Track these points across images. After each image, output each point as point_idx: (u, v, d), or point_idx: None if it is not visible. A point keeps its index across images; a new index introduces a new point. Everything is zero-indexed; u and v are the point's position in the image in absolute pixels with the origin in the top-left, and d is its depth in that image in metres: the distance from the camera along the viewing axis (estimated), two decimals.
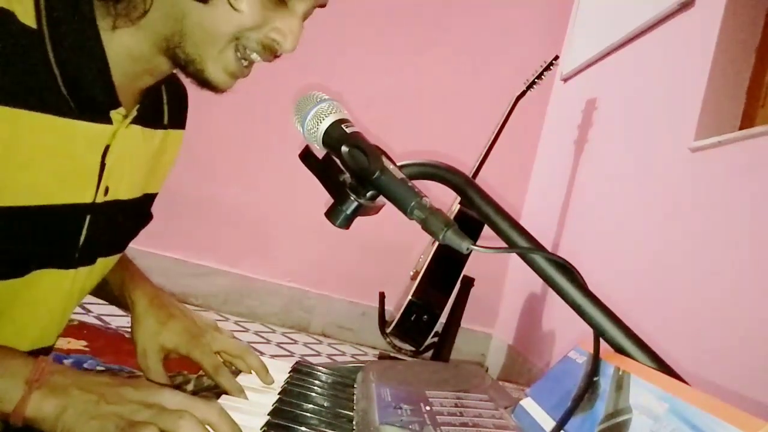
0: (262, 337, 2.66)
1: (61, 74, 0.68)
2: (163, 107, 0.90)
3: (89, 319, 2.08)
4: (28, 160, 0.68)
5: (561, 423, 0.63)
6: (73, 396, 0.60)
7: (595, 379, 0.65)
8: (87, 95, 0.70)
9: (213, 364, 0.85)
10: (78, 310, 2.16)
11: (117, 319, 2.17)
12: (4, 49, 0.64)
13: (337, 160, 0.69)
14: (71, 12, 0.68)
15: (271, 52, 0.75)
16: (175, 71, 0.78)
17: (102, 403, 0.60)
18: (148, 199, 0.94)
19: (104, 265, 0.87)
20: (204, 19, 0.70)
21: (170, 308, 0.92)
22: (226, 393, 0.80)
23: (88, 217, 0.77)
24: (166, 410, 0.60)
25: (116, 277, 0.93)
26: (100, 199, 0.78)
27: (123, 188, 0.83)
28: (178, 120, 0.94)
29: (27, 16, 0.65)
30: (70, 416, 0.59)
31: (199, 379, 0.94)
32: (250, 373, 0.87)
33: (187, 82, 0.79)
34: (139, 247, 0.99)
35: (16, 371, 0.62)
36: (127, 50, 0.73)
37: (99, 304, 2.25)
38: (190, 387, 0.92)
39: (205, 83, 0.75)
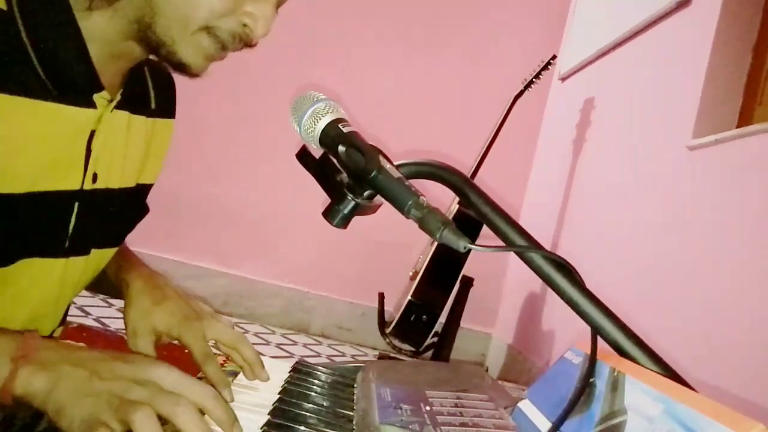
0: (262, 339, 2.66)
1: (36, 56, 0.66)
2: (149, 92, 0.88)
3: (88, 322, 2.08)
4: (10, 146, 0.66)
5: (557, 425, 0.63)
6: (63, 371, 0.58)
7: (591, 380, 0.65)
8: (66, 76, 0.69)
9: (203, 351, 0.80)
10: (77, 312, 2.16)
11: (116, 321, 2.16)
12: None
13: (334, 160, 0.69)
14: None
15: (241, 41, 0.73)
16: (151, 57, 0.77)
17: (94, 378, 0.58)
18: (142, 189, 0.91)
19: (100, 257, 0.86)
20: (176, 3, 0.69)
21: (165, 289, 0.88)
22: (211, 384, 0.77)
23: (76, 205, 0.76)
24: (161, 391, 0.58)
25: (113, 263, 0.91)
26: (88, 186, 0.76)
27: (113, 176, 0.81)
28: (167, 109, 0.92)
29: None
30: (61, 393, 0.57)
31: (199, 380, 0.93)
32: (249, 369, 0.84)
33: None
34: (138, 249, 0.99)
35: (2, 348, 0.59)
36: (100, 32, 0.71)
37: (98, 306, 2.25)
38: None
39: (178, 66, 0.73)
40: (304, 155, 0.72)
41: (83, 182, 0.76)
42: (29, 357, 0.58)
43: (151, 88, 0.88)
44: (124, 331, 0.87)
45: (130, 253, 0.95)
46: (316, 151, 0.72)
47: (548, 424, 0.66)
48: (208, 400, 0.60)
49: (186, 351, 0.82)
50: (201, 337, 0.83)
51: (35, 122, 0.68)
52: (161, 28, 0.70)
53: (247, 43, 0.74)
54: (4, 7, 0.65)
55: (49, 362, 0.59)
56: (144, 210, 0.95)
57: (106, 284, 0.92)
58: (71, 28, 0.69)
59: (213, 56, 0.74)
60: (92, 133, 0.74)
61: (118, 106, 0.78)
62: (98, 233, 0.83)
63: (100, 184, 0.78)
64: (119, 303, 2.43)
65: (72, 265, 0.80)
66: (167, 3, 0.69)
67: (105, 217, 0.82)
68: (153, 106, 0.88)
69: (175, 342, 0.86)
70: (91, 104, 0.73)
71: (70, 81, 0.70)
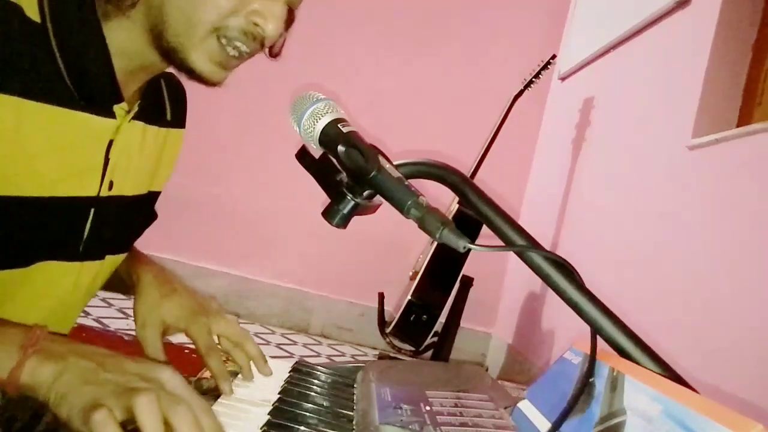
0: (262, 339, 2.66)
1: (65, 66, 0.69)
2: (165, 104, 0.91)
3: (88, 322, 2.08)
4: (33, 150, 0.68)
5: (556, 425, 0.63)
6: (70, 362, 0.58)
7: (591, 379, 0.65)
8: (91, 86, 0.71)
9: (207, 344, 0.83)
10: None
11: (116, 321, 2.16)
12: (9, 40, 0.65)
13: (334, 160, 0.69)
14: (74, 6, 0.69)
15: (254, 39, 0.74)
16: (170, 68, 0.79)
17: (100, 370, 0.58)
18: (153, 197, 0.94)
19: (112, 262, 0.88)
20: (183, 5, 0.70)
21: (174, 284, 0.92)
22: (212, 376, 0.78)
23: (92, 210, 0.78)
24: (164, 389, 0.57)
25: (123, 260, 0.93)
26: (105, 193, 0.79)
27: (128, 184, 0.83)
28: (179, 120, 0.95)
29: (31, 11, 0.67)
30: (65, 382, 0.56)
31: (199, 381, 0.93)
32: (249, 370, 0.84)
33: (183, 79, 0.79)
34: (139, 249, 1.00)
35: (11, 338, 0.59)
36: (122, 47, 0.73)
37: (98, 306, 2.24)
38: None
39: (192, 74, 0.75)
40: (303, 155, 0.73)
41: (100, 189, 0.78)
42: (38, 347, 0.59)
43: (166, 100, 0.91)
44: (123, 332, 0.87)
45: (139, 251, 0.98)
46: (316, 151, 0.72)
47: (548, 425, 0.66)
48: (204, 413, 0.59)
49: (186, 351, 0.83)
50: (206, 331, 0.85)
51: (60, 129, 0.70)
52: (172, 34, 0.72)
53: (261, 42, 0.75)
54: (38, 20, 0.67)
55: (57, 353, 0.59)
56: (152, 216, 0.98)
57: (115, 280, 0.94)
58: (98, 41, 0.72)
59: (224, 62, 0.75)
60: (110, 142, 0.77)
61: (135, 117, 0.80)
62: (111, 239, 0.85)
63: (115, 192, 0.81)
64: (119, 303, 2.43)
65: (86, 270, 0.82)
66: (175, 8, 0.71)
67: (118, 223, 0.84)
68: (169, 117, 0.91)
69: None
70: (111, 114, 0.76)
71: (95, 91, 0.72)
